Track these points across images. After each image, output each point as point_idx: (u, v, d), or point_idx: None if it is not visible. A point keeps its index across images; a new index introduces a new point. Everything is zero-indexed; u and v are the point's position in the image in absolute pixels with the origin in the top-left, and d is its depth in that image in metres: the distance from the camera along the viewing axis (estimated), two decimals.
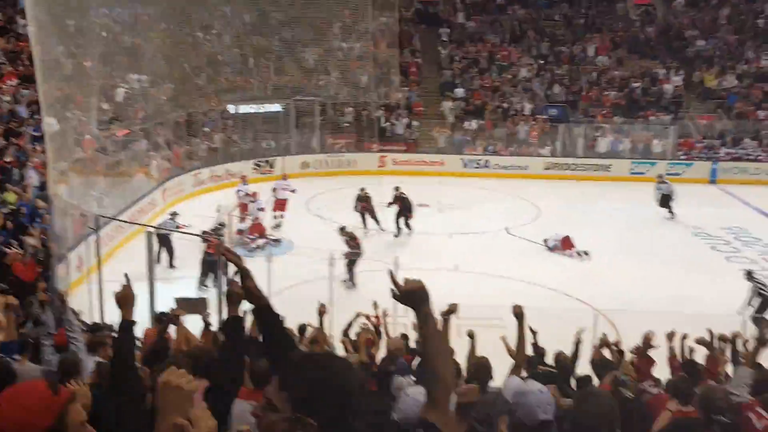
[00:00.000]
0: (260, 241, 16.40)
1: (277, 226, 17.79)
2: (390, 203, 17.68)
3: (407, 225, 17.68)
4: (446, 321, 5.42)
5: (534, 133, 25.98)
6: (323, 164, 24.70)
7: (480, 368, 5.22)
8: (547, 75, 28.52)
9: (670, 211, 19.49)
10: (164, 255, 14.83)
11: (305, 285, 13.43)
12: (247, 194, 17.78)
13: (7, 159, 15.14)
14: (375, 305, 9.09)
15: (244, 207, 17.61)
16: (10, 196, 13.78)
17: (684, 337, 7.54)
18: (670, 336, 7.70)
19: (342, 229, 15.01)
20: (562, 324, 8.93)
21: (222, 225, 15.40)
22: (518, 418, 2.73)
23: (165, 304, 9.87)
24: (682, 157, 25.36)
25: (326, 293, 11.36)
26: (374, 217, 17.84)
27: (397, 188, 17.95)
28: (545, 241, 17.06)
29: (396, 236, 17.56)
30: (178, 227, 15.15)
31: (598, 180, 24.40)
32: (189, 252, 14.73)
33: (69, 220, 13.21)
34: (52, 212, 12.98)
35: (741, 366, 5.99)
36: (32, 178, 14.98)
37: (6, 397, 1.86)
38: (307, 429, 1.83)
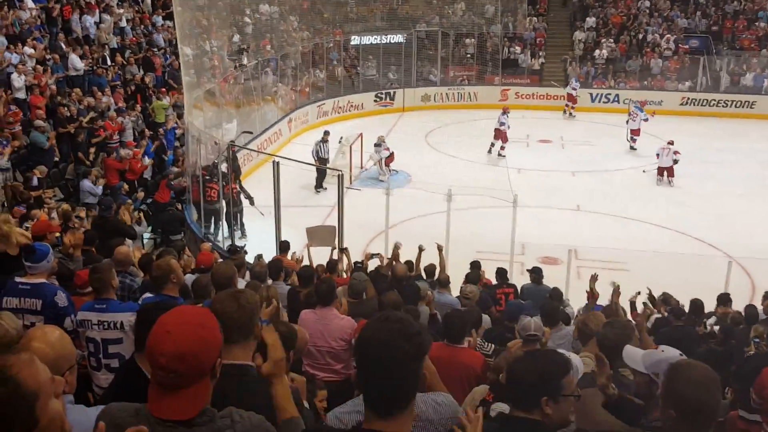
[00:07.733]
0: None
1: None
2: None
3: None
4: None
5: (672, 66, 24.33)
6: (443, 97, 24.39)
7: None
8: (689, 2, 26.41)
9: None
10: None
11: (420, 219, 13.52)
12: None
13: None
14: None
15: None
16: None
17: None
18: None
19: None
20: (693, 271, 8.47)
21: None
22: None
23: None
24: None
25: (443, 228, 11.34)
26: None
27: None
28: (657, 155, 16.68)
29: None
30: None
31: (740, 117, 22.65)
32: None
33: (202, 147, 13.84)
34: (187, 139, 13.72)
35: None
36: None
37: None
38: None
